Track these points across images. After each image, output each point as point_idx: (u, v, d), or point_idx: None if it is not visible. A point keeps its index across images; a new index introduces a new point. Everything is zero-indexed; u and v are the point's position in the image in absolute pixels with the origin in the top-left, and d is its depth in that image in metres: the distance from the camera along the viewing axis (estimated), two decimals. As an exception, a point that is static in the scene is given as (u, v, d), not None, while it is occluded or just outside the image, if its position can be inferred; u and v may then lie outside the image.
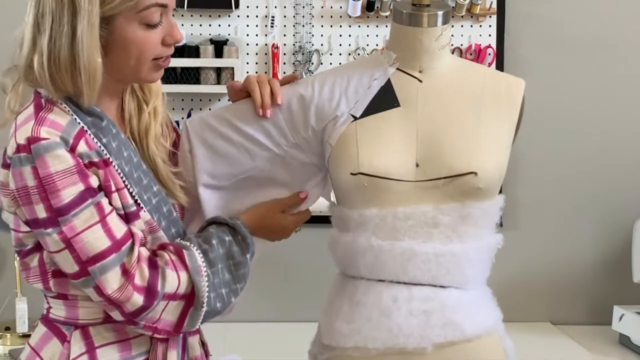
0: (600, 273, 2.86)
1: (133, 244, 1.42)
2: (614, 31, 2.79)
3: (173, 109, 2.75)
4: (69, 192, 1.37)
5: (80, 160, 1.39)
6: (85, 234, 1.38)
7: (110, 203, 1.42)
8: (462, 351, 1.53)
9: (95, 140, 1.43)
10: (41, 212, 1.38)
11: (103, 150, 1.43)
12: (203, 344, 1.64)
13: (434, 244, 1.52)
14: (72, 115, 1.42)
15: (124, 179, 1.45)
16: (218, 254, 1.49)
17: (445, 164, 1.52)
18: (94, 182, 1.41)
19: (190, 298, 1.45)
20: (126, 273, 1.40)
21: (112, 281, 1.39)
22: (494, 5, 2.74)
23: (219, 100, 2.74)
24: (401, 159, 1.53)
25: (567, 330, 2.75)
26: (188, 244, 1.49)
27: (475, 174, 1.51)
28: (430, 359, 1.53)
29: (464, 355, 1.53)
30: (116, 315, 1.43)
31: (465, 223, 1.53)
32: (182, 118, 2.71)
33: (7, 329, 2.53)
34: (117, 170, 1.44)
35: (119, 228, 1.41)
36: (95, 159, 1.41)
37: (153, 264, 1.43)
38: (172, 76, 2.68)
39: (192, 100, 2.75)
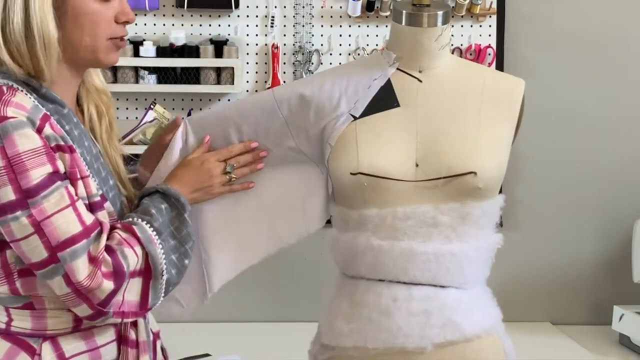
0: (600, 273, 2.86)
1: (101, 232, 1.39)
2: (614, 31, 2.79)
3: (173, 108, 2.75)
4: (37, 172, 1.33)
5: (48, 142, 1.35)
6: (56, 217, 1.33)
7: (75, 192, 1.38)
8: (462, 351, 1.53)
9: (59, 126, 1.39)
10: (9, 195, 1.32)
11: (67, 137, 1.40)
12: (162, 350, 1.63)
13: (433, 243, 1.52)
14: (33, 100, 1.38)
15: (87, 167, 1.42)
16: (160, 222, 1.46)
17: (444, 164, 1.52)
18: (61, 166, 1.37)
19: (146, 272, 1.43)
20: (94, 260, 1.35)
21: (82, 268, 1.34)
22: (494, 5, 2.74)
23: (219, 100, 2.74)
24: (401, 159, 1.53)
25: (567, 330, 2.75)
26: (133, 219, 1.46)
27: (475, 173, 1.51)
28: (429, 359, 1.53)
29: (464, 355, 1.53)
30: (83, 310, 1.38)
31: (465, 223, 1.53)
32: (182, 118, 2.70)
33: None
34: (81, 158, 1.41)
35: (87, 215, 1.38)
36: (62, 143, 1.38)
37: (110, 248, 1.39)
38: (172, 76, 2.68)
39: (192, 100, 2.75)
